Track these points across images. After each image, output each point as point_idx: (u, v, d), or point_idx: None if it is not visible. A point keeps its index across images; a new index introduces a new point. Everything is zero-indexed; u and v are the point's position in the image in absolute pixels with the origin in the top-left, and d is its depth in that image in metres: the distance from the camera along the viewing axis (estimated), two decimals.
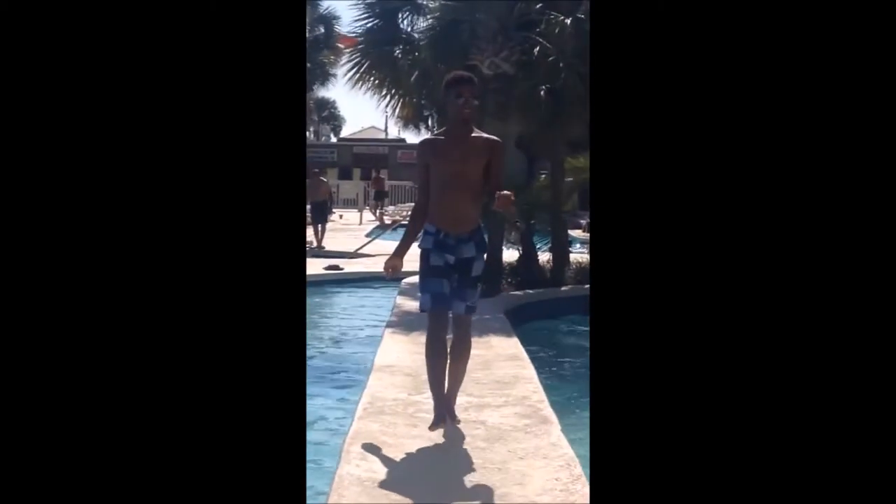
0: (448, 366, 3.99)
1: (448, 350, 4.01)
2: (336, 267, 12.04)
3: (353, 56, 11.51)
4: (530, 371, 5.50)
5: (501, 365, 5.59)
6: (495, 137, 4.04)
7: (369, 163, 35.12)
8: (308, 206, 14.33)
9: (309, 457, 4.57)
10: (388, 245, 15.44)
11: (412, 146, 24.55)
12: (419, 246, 4.00)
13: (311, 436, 5.04)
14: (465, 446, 3.83)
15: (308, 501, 3.59)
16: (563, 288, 10.57)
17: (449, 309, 3.98)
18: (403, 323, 7.06)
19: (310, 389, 6.13)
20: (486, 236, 4.11)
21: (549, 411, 4.52)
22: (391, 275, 4.27)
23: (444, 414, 3.95)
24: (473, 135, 3.98)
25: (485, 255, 4.07)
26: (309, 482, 4.07)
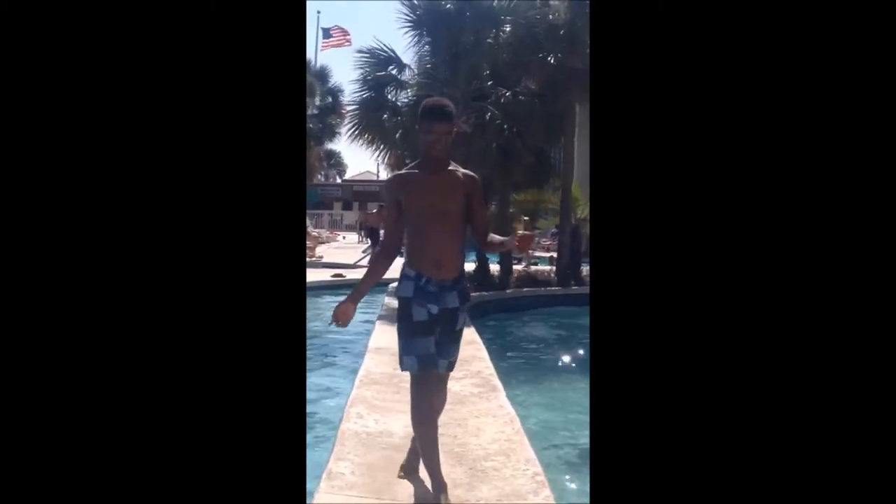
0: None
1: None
2: (340, 275, 12.12)
3: (352, 119, 11.54)
4: (483, 352, 5.51)
5: (462, 347, 5.55)
6: (471, 172, 2.72)
7: (365, 198, 35.37)
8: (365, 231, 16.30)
9: (321, 416, 4.59)
10: None
11: None
12: (397, 294, 2.68)
13: (322, 400, 5.05)
14: None
15: (318, 450, 3.60)
16: (508, 291, 10.64)
17: (436, 368, 2.65)
18: (390, 316, 7.02)
19: (321, 366, 6.15)
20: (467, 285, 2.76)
21: (497, 381, 4.53)
22: (341, 324, 2.58)
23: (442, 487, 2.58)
24: (450, 168, 2.67)
25: (467, 307, 2.74)
26: (320, 435, 4.08)
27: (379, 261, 2.75)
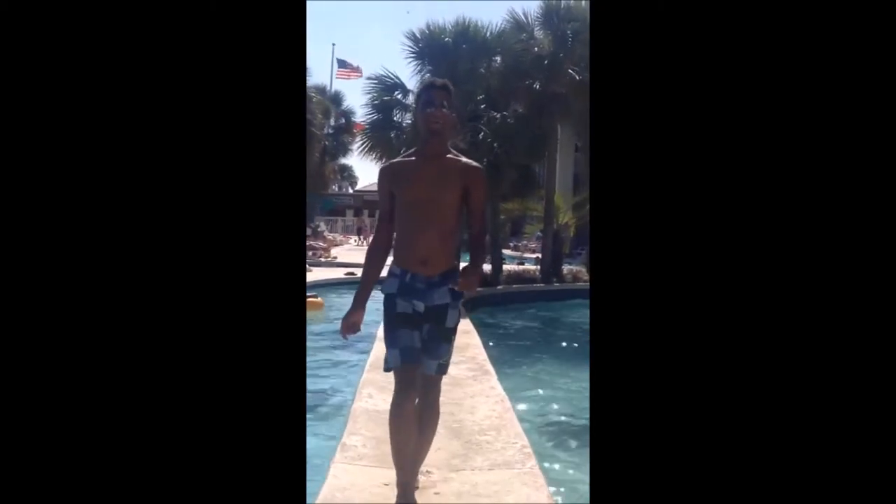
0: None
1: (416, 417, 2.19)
2: (352, 273, 12.15)
3: (363, 138, 11.64)
4: (477, 340, 5.53)
5: (458, 336, 5.53)
6: (474, 163, 2.20)
7: (375, 206, 35.57)
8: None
9: (335, 397, 4.61)
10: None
11: None
12: (382, 290, 2.24)
13: (337, 383, 5.06)
14: None
15: (333, 427, 3.62)
16: (498, 287, 10.67)
17: (418, 366, 2.17)
18: None
19: (336, 352, 6.16)
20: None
21: (489, 366, 4.54)
22: (349, 335, 2.23)
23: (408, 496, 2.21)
24: (449, 156, 2.18)
25: (461, 303, 2.23)
26: (335, 413, 4.10)
27: (373, 257, 2.25)
